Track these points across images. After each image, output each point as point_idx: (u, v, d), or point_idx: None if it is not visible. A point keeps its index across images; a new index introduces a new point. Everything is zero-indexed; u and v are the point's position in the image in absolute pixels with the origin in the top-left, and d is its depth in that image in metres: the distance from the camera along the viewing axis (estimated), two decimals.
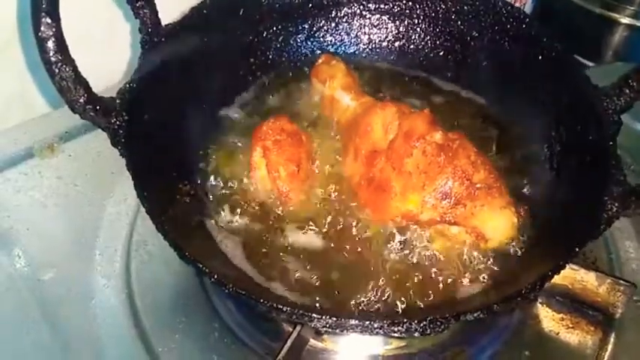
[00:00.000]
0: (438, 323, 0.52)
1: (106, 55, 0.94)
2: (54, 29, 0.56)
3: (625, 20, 1.23)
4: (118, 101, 0.63)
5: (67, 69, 0.57)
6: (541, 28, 0.78)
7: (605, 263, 0.78)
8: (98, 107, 0.60)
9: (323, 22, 0.89)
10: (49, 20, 0.55)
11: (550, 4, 1.30)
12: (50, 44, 0.56)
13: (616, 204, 0.58)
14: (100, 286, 0.74)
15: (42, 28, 0.55)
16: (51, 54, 0.56)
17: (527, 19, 0.79)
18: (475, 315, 0.52)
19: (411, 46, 0.89)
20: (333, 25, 0.89)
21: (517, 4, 1.27)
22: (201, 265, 0.55)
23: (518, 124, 0.80)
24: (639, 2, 1.20)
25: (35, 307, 0.72)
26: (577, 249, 0.56)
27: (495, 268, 0.66)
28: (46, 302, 0.73)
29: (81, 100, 0.59)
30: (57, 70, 0.57)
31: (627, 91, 0.66)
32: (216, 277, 0.54)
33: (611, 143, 0.63)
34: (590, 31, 1.29)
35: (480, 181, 0.64)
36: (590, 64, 1.27)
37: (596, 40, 1.29)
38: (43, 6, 0.55)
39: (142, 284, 0.74)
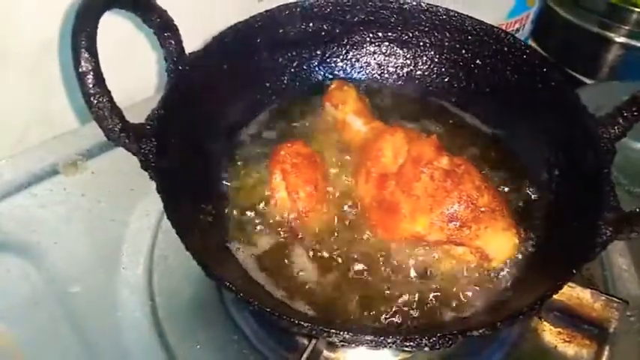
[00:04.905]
0: (447, 339, 0.56)
1: (127, 80, 0.98)
2: (93, 64, 0.60)
3: (620, 39, 1.28)
4: (147, 127, 0.67)
5: (104, 100, 0.61)
6: (541, 59, 0.82)
7: (600, 279, 0.82)
8: (131, 134, 0.64)
9: (335, 48, 0.92)
10: (87, 56, 0.60)
11: (549, 23, 1.35)
12: (89, 78, 0.60)
13: (610, 229, 0.62)
14: (125, 299, 0.78)
15: (82, 63, 0.59)
16: (90, 86, 0.60)
17: (528, 50, 0.83)
18: (481, 331, 0.56)
19: (418, 73, 0.93)
20: (344, 51, 0.93)
21: (517, 25, 1.32)
22: (227, 284, 0.59)
23: (520, 149, 0.84)
24: (633, 22, 1.25)
25: (63, 319, 0.76)
26: (574, 270, 0.60)
27: (498, 287, 0.70)
28: (73, 315, 0.76)
29: (116, 129, 0.62)
30: (95, 101, 0.60)
31: (621, 121, 0.71)
32: (242, 294, 0.58)
33: (605, 170, 0.67)
34: (587, 49, 1.34)
35: (484, 204, 0.68)
36: (587, 80, 1.32)
37: (593, 57, 1.34)
38: (83, 43, 0.59)
39: (165, 296, 0.78)
